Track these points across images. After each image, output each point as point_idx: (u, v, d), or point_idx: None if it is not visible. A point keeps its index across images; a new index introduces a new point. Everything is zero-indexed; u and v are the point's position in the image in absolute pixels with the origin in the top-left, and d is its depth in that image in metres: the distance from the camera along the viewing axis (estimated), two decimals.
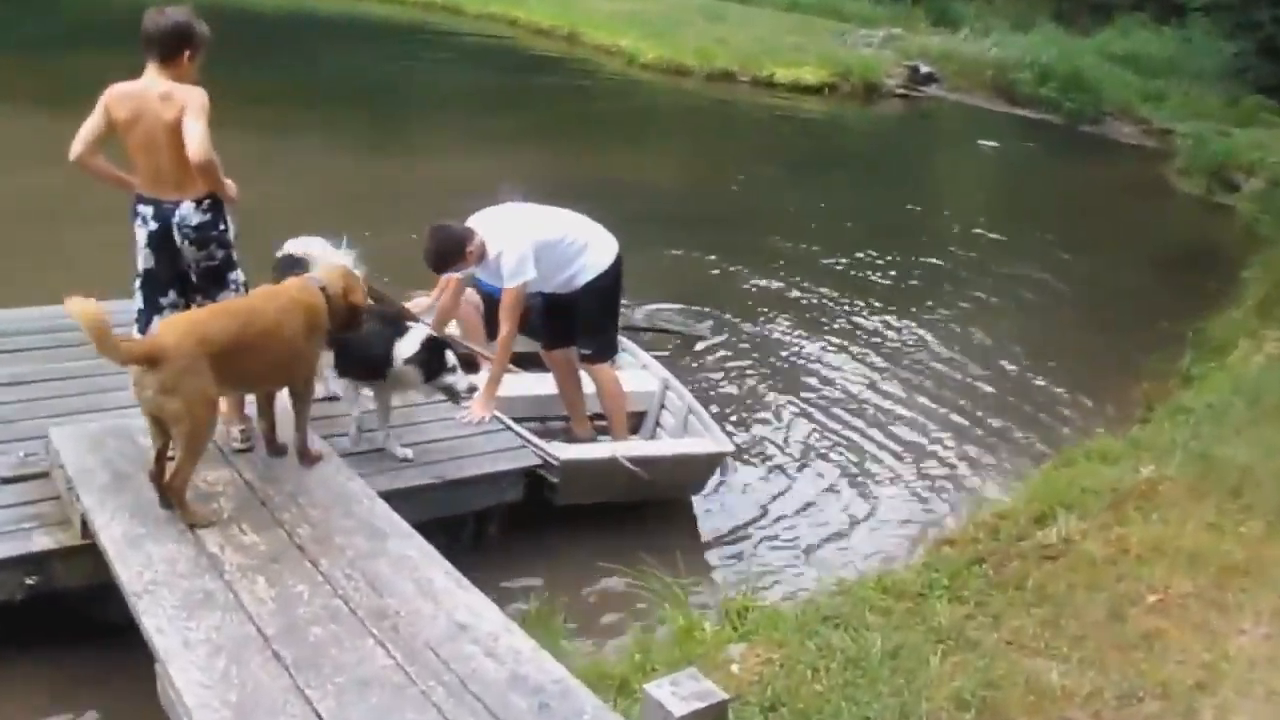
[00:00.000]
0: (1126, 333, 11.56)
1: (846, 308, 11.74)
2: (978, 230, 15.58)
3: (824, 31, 28.40)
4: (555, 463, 6.77)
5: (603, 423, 7.77)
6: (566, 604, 5.93)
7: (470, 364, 7.41)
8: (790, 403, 9.30)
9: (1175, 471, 6.77)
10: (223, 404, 5.83)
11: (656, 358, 8.61)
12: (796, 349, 10.52)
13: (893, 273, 13.02)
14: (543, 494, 6.94)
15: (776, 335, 10.77)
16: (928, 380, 10.06)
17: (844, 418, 9.13)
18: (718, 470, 7.67)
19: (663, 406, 8.02)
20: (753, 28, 27.72)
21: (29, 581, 5.31)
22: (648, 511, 7.03)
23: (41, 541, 5.38)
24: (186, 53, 5.61)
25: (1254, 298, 11.92)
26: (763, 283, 12.13)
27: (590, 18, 28.07)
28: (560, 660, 4.67)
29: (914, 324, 11.44)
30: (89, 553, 5.21)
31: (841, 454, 8.53)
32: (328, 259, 6.61)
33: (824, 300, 11.87)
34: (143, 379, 5.05)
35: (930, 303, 12.12)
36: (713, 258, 12.76)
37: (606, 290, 7.44)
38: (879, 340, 10.96)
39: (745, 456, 8.17)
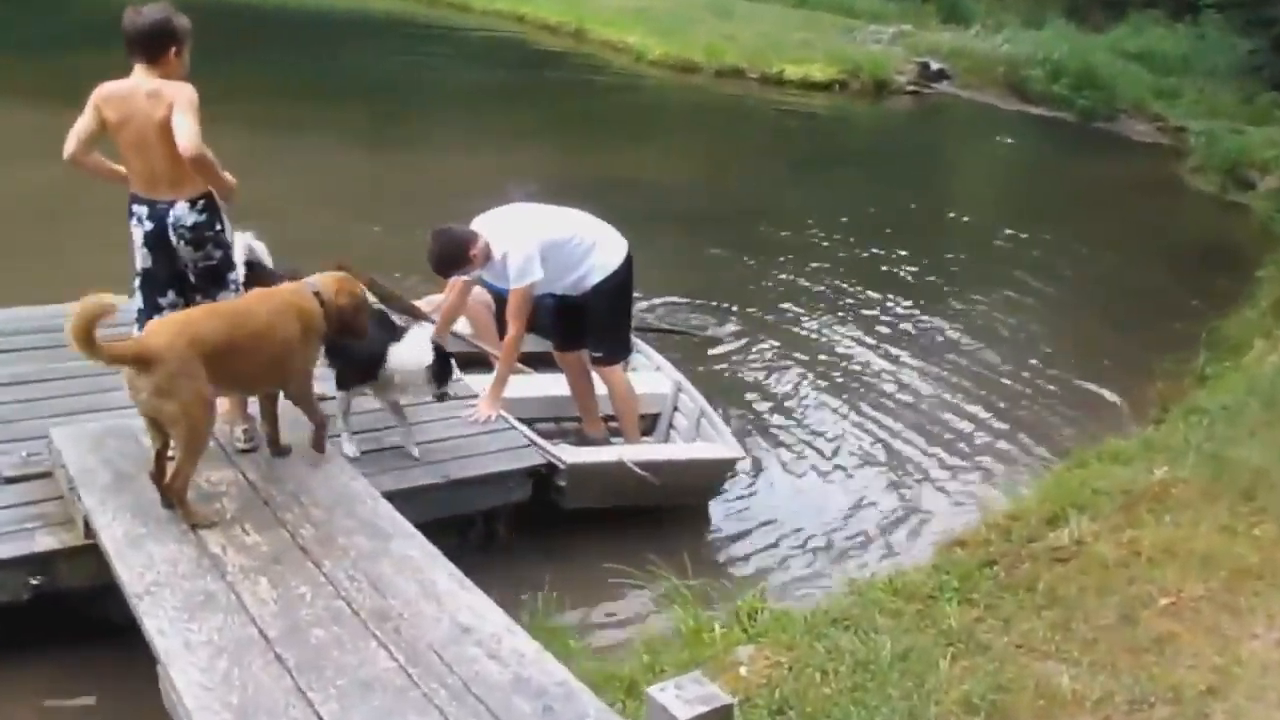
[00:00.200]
0: (1140, 332, 11.49)
1: (857, 306, 11.70)
2: (989, 228, 15.52)
3: (832, 28, 28.32)
4: (562, 466, 6.74)
5: (617, 424, 7.74)
6: (574, 605, 5.92)
7: (478, 363, 7.42)
8: (799, 402, 9.27)
9: (1188, 473, 6.70)
10: (226, 404, 5.83)
11: (669, 358, 8.57)
12: (806, 348, 10.47)
13: (904, 271, 12.96)
14: (551, 496, 6.91)
15: (786, 334, 10.72)
16: (939, 380, 10.01)
17: (854, 418, 9.09)
18: (728, 476, 7.59)
19: (675, 409, 7.98)
20: (761, 24, 27.63)
21: (34, 582, 5.31)
22: (656, 513, 6.99)
23: (45, 542, 5.38)
24: (172, 49, 5.59)
25: (1269, 297, 11.83)
26: (773, 281, 12.09)
27: (597, 14, 28.02)
28: (568, 661, 4.65)
29: (925, 323, 11.39)
30: (93, 553, 5.20)
31: (851, 454, 8.49)
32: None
33: (834, 299, 11.83)
34: (136, 381, 5.03)
35: (942, 301, 12.07)
36: (723, 255, 12.73)
37: (617, 291, 7.40)
38: (890, 339, 10.91)
39: (754, 456, 8.11)
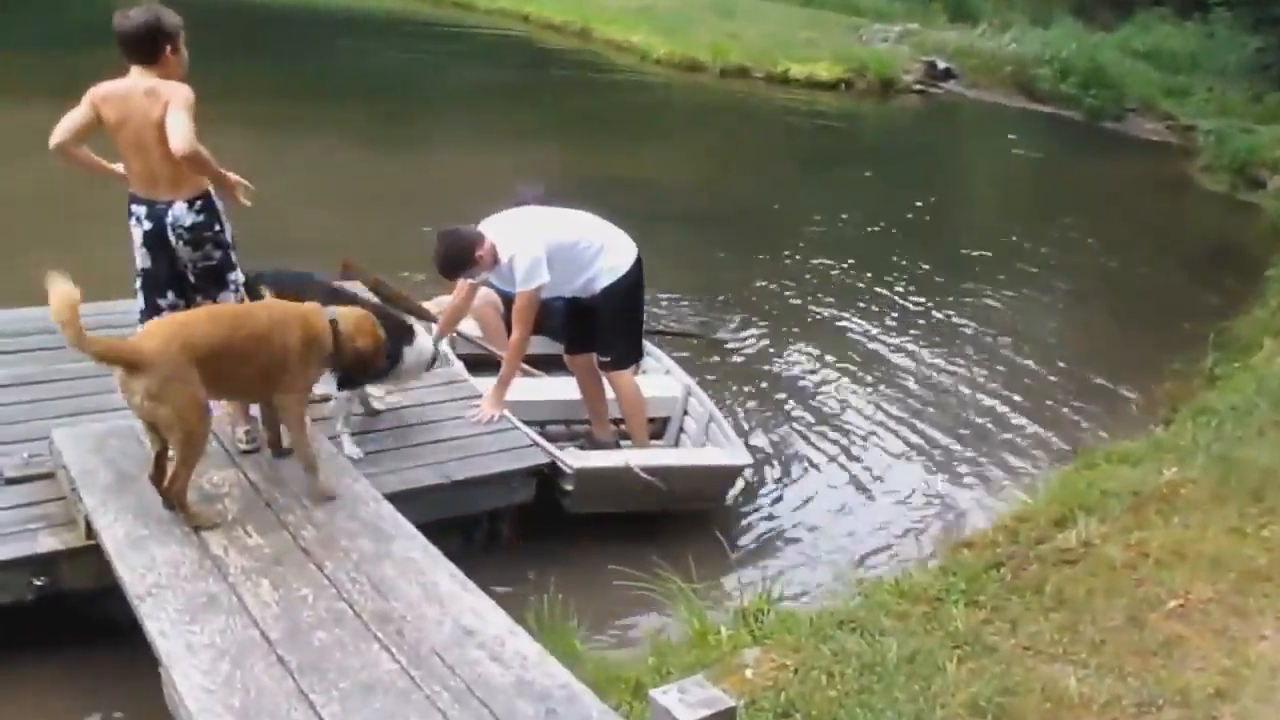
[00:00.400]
0: (1149, 332, 11.48)
1: (864, 307, 11.67)
2: (996, 228, 15.51)
3: (837, 27, 28.30)
4: (569, 471, 6.71)
5: (625, 426, 7.72)
6: (579, 607, 5.87)
7: (486, 365, 7.41)
8: (804, 405, 9.24)
9: (1197, 474, 6.70)
10: (228, 405, 5.82)
11: (678, 360, 8.57)
12: (812, 350, 10.46)
13: (912, 272, 12.92)
14: (556, 499, 6.90)
15: (793, 334, 10.72)
16: (947, 381, 9.98)
17: (860, 420, 9.07)
18: (735, 483, 7.55)
19: (685, 413, 7.96)
20: (765, 23, 27.61)
21: (37, 582, 5.32)
22: (661, 515, 6.96)
23: (48, 543, 5.38)
24: (166, 48, 5.60)
25: (1279, 297, 11.81)
26: (780, 281, 12.05)
27: (602, 13, 28.02)
28: (574, 663, 4.67)
29: (933, 323, 11.37)
30: (95, 554, 5.19)
31: (857, 457, 8.46)
32: None
33: (841, 300, 11.81)
34: (128, 384, 5.02)
35: (949, 302, 12.03)
36: (730, 255, 12.72)
37: (626, 295, 7.36)
38: (897, 340, 10.88)
39: (760, 457, 8.09)
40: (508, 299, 7.59)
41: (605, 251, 7.25)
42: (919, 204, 16.18)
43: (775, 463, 8.15)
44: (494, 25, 28.70)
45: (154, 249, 5.75)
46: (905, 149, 21.15)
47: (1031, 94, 24.36)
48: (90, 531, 5.25)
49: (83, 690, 5.25)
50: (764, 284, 11.91)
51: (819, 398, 9.39)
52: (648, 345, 8.33)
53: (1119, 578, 5.62)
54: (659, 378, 8.18)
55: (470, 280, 7.26)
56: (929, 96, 24.28)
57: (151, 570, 4.80)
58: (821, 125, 21.48)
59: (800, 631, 5.34)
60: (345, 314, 5.77)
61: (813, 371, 9.92)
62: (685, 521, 6.94)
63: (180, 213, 5.65)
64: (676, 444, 7.88)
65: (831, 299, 11.74)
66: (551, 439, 7.27)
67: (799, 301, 11.58)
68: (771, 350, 10.27)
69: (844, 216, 15.16)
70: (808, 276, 12.29)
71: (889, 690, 4.76)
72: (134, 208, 5.73)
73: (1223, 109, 22.56)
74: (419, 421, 6.78)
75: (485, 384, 7.29)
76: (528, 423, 7.15)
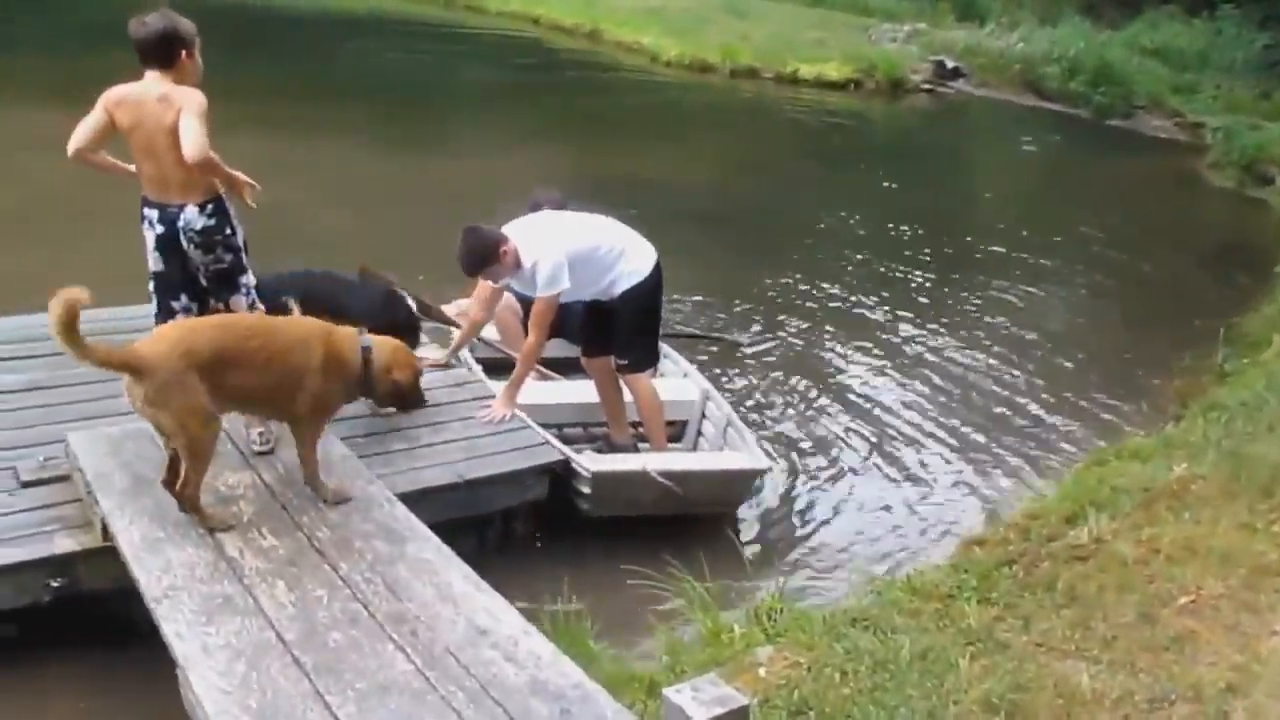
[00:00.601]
0: (1159, 329, 11.48)
1: (875, 305, 11.70)
2: (1006, 225, 15.50)
3: (846, 27, 28.30)
4: (586, 474, 6.71)
5: (644, 430, 7.72)
6: (593, 607, 5.90)
7: (505, 369, 7.42)
8: (816, 403, 9.26)
9: (1208, 470, 6.69)
10: None
11: (691, 360, 8.59)
12: (823, 348, 10.49)
13: (923, 270, 12.94)
14: (572, 501, 6.91)
15: (806, 334, 10.72)
16: (958, 379, 10.00)
17: (871, 417, 9.09)
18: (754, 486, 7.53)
19: (703, 416, 7.96)
20: (775, 23, 27.64)
21: (53, 584, 5.35)
22: (675, 516, 6.97)
23: (64, 544, 5.41)
24: (182, 53, 5.65)
25: None
26: (793, 281, 12.08)
27: (612, 15, 28.05)
28: (588, 663, 4.67)
29: (945, 321, 11.37)
30: (112, 554, 5.21)
31: (870, 454, 8.48)
32: None
33: (851, 298, 11.85)
34: (132, 389, 5.02)
35: (962, 300, 12.05)
36: (743, 255, 12.76)
37: (645, 298, 7.36)
38: (909, 337, 10.91)
39: (773, 455, 8.08)
40: (526, 303, 7.61)
41: (626, 256, 7.26)
42: (930, 203, 16.20)
43: (787, 461, 8.15)
44: (504, 27, 28.75)
45: (166, 252, 5.79)
46: (915, 148, 21.16)
47: (1040, 92, 24.35)
48: (106, 533, 5.28)
49: (102, 691, 5.27)
50: (776, 283, 11.93)
51: (827, 397, 9.39)
52: (665, 348, 8.34)
53: (1130, 574, 5.62)
54: (677, 381, 8.18)
55: (492, 284, 7.28)
56: (938, 96, 24.28)
57: (168, 572, 4.82)
58: (832, 125, 21.49)
59: (813, 630, 5.36)
60: (381, 344, 5.66)
61: (821, 372, 9.93)
62: (698, 521, 6.94)
63: (192, 216, 5.69)
64: (694, 448, 7.87)
65: (841, 299, 11.76)
66: (569, 442, 7.27)
67: (811, 302, 11.60)
68: (782, 350, 10.28)
69: (854, 215, 15.17)
70: (819, 276, 12.29)
71: (902, 687, 4.77)
72: (146, 211, 5.77)
73: (1231, 106, 22.55)
74: (430, 422, 6.79)
75: (501, 387, 7.31)
76: (545, 426, 7.14)
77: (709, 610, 5.71)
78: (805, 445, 8.47)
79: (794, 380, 9.65)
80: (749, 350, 10.18)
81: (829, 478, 8.07)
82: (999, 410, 9.39)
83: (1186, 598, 5.40)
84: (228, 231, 5.80)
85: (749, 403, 8.84)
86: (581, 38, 27.83)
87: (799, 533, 7.37)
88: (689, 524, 6.83)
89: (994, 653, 5.04)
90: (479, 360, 8.01)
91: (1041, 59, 24.73)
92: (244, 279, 5.94)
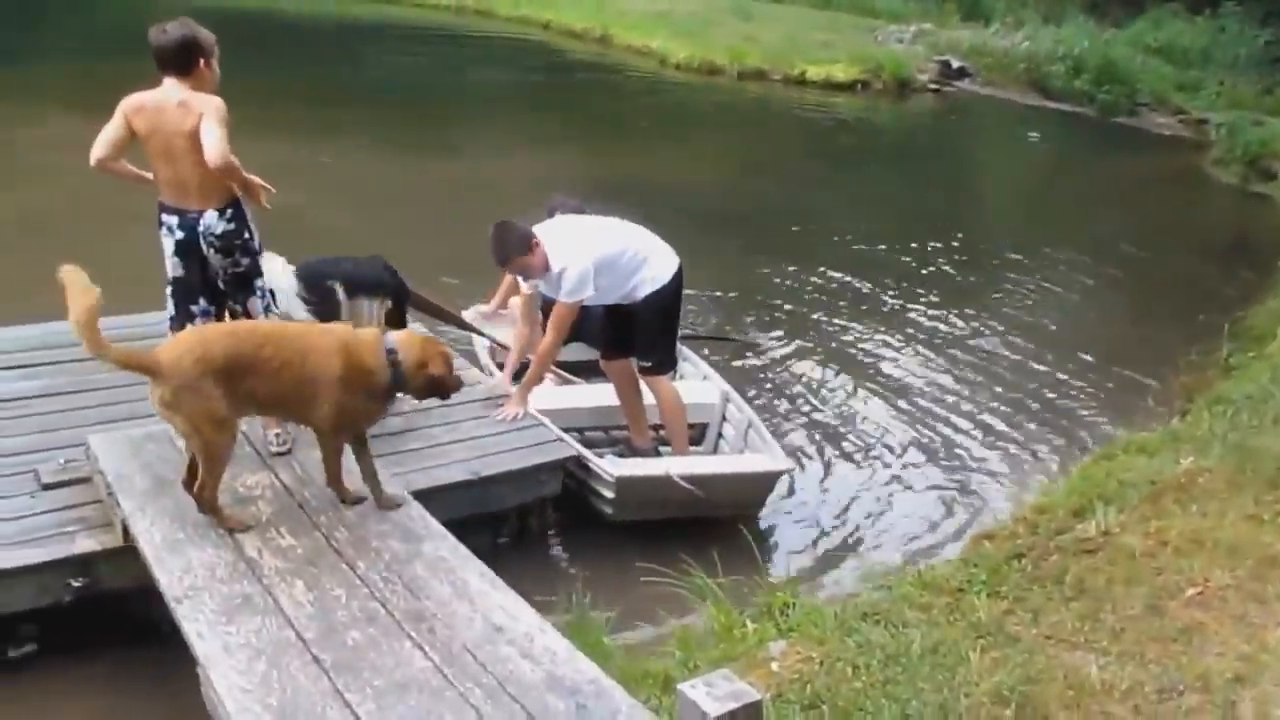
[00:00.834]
0: (1165, 324, 11.49)
1: (884, 303, 11.76)
2: (1013, 223, 15.56)
3: (853, 28, 28.33)
4: (610, 478, 6.73)
5: (665, 433, 7.73)
6: (607, 604, 5.93)
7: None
8: (826, 399, 9.33)
9: (1214, 463, 6.71)
10: None
11: (709, 363, 8.63)
12: (835, 343, 10.54)
13: (931, 268, 12.99)
14: (594, 505, 6.96)
15: (816, 331, 10.78)
16: (966, 376, 10.04)
17: (880, 413, 9.14)
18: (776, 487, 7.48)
19: (724, 418, 7.96)
20: (782, 26, 27.67)
21: (75, 583, 5.40)
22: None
23: (85, 544, 5.47)
24: (200, 61, 5.73)
25: None
26: (807, 279, 12.15)
27: (621, 19, 28.12)
28: (602, 659, 4.69)
29: (952, 320, 11.41)
30: (131, 554, 5.27)
31: (878, 450, 8.52)
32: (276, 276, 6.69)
33: (862, 294, 11.91)
34: (151, 391, 5.09)
35: (968, 298, 12.08)
36: (753, 255, 12.81)
37: (666, 302, 7.40)
38: (916, 336, 10.94)
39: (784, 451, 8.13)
40: (547, 305, 7.57)
41: (650, 262, 7.29)
42: (939, 202, 16.26)
43: (799, 458, 8.17)
44: (515, 32, 28.84)
45: (186, 257, 5.85)
46: (922, 147, 21.19)
47: (1045, 91, 24.39)
48: (127, 534, 5.33)
49: (122, 691, 5.34)
50: (788, 283, 11.99)
51: (840, 393, 9.45)
52: (685, 350, 8.37)
53: (1138, 566, 5.64)
54: (696, 384, 8.17)
55: (524, 286, 7.32)
56: (944, 95, 24.31)
57: (188, 573, 4.87)
58: (839, 125, 21.53)
59: (825, 624, 5.39)
60: (407, 342, 5.52)
61: (832, 367, 9.98)
62: (712, 518, 6.97)
63: (212, 221, 5.76)
64: (715, 450, 7.88)
65: (851, 299, 11.80)
66: (590, 445, 7.28)
67: (822, 298, 11.67)
68: (794, 348, 10.33)
69: (863, 214, 15.23)
70: (829, 276, 12.35)
71: (913, 681, 4.80)
72: (165, 218, 5.83)
73: (1234, 102, 22.59)
74: (443, 422, 6.83)
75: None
76: (566, 429, 7.16)
77: (722, 606, 5.74)
78: (815, 443, 8.51)
79: (802, 377, 9.71)
80: (758, 347, 10.23)
81: (839, 475, 8.11)
82: (1006, 407, 9.42)
83: (1194, 589, 5.41)
84: (246, 236, 5.87)
85: (759, 402, 8.86)
86: (591, 41, 27.90)
87: (810, 529, 7.40)
88: (703, 521, 6.85)
89: (1004, 645, 5.07)
90: (499, 365, 8.03)
91: (1046, 58, 24.77)
92: (259, 282, 6.02)
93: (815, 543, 7.26)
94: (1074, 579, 5.60)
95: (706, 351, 9.22)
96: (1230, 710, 4.56)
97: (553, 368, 7.69)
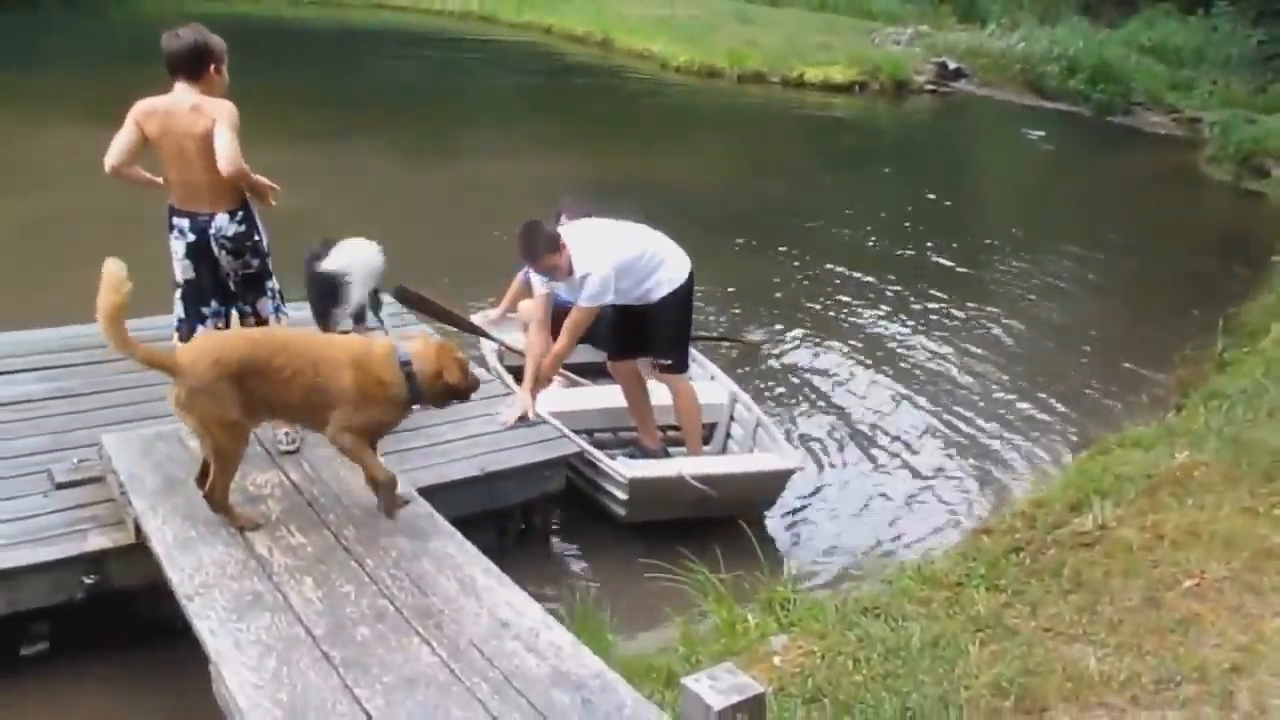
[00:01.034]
0: (1160, 320, 11.56)
1: (886, 300, 11.85)
2: (1010, 222, 15.60)
3: (850, 30, 28.43)
4: (623, 480, 6.76)
5: (673, 433, 7.77)
6: (611, 599, 5.98)
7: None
8: (826, 396, 9.38)
9: (1209, 457, 6.74)
10: None
11: (715, 362, 8.67)
12: (834, 341, 10.60)
13: (931, 265, 13.08)
14: (606, 507, 7.00)
15: (814, 329, 10.84)
16: (963, 371, 10.10)
17: (880, 410, 9.20)
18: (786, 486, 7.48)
19: (732, 419, 7.99)
20: (781, 29, 27.78)
21: (87, 581, 5.46)
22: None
23: (97, 541, 5.51)
24: (211, 66, 5.82)
25: None
26: (805, 278, 12.24)
27: (622, 23, 28.24)
28: (606, 654, 4.72)
29: (951, 315, 11.49)
30: (143, 552, 5.32)
31: (878, 447, 8.57)
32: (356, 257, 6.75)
33: (862, 293, 11.98)
34: (170, 390, 5.14)
35: (966, 294, 12.14)
36: (757, 257, 12.90)
37: (681, 303, 7.45)
38: (917, 331, 11.03)
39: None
40: (559, 307, 7.56)
41: (664, 265, 7.33)
42: (938, 201, 16.30)
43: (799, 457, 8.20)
44: (519, 38, 28.91)
45: (197, 259, 5.91)
46: (920, 147, 21.26)
47: (1041, 91, 24.50)
48: (139, 533, 5.38)
49: (134, 689, 5.39)
50: (789, 283, 12.07)
51: (839, 390, 9.51)
52: (692, 352, 8.35)
53: (1135, 559, 5.68)
54: (704, 384, 8.16)
55: (542, 287, 7.33)
56: (941, 96, 24.41)
57: (199, 571, 4.90)
58: (838, 127, 21.61)
59: (826, 619, 5.44)
60: (421, 352, 5.44)
61: (834, 365, 10.05)
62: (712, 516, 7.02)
63: (223, 223, 5.83)
64: (724, 450, 7.90)
65: (852, 297, 11.87)
66: (599, 447, 7.28)
67: (822, 298, 11.75)
68: (793, 345, 10.40)
69: (863, 214, 15.28)
70: (831, 274, 12.43)
71: (913, 674, 4.83)
72: (176, 220, 5.89)
73: (1227, 101, 22.70)
74: (447, 420, 6.84)
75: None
76: (576, 431, 7.18)
77: (724, 601, 5.78)
78: (816, 440, 8.56)
79: (802, 374, 9.78)
80: (766, 350, 10.27)
81: (840, 471, 8.17)
82: (1003, 403, 9.48)
83: (1191, 581, 5.44)
84: (256, 237, 5.94)
85: (759, 397, 8.91)
86: (593, 46, 28.00)
87: (811, 524, 7.45)
88: (704, 518, 6.89)
89: (1003, 638, 5.11)
90: (510, 369, 8.05)
91: (1041, 58, 24.89)
92: (270, 283, 6.09)
93: (815, 538, 7.31)
94: (1072, 572, 5.64)
95: (710, 353, 9.24)
96: (1227, 700, 4.59)
97: (560, 369, 7.71)
